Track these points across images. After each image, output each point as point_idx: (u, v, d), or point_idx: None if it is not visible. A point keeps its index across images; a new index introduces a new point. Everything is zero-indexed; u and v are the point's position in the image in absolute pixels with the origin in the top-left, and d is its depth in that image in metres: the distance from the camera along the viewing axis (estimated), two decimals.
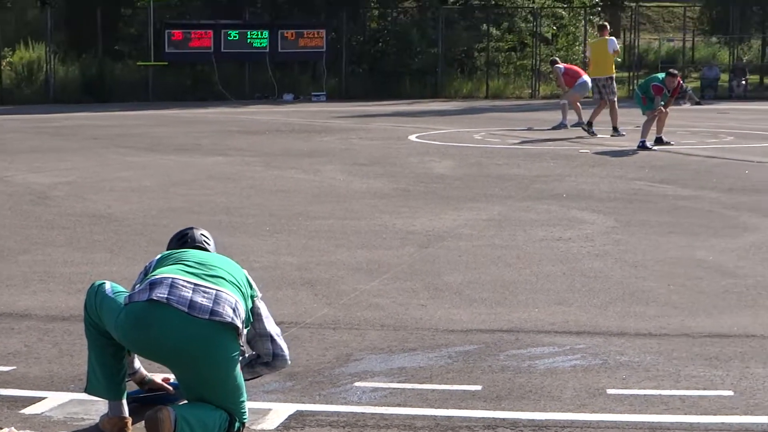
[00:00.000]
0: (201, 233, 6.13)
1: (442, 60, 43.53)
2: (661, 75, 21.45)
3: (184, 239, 6.04)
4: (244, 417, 5.56)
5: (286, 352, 5.84)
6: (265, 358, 5.78)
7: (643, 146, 20.37)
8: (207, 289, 5.39)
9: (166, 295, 5.30)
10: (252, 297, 5.70)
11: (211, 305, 5.32)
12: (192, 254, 5.73)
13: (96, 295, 5.56)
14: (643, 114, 21.06)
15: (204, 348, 5.31)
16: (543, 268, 9.76)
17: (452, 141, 22.69)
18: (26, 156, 19.91)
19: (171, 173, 17.01)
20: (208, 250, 5.99)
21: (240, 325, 5.41)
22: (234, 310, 5.39)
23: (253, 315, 5.69)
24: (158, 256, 5.82)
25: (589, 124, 24.01)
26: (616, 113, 23.91)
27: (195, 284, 5.40)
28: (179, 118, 30.81)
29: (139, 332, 5.33)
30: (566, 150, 20.78)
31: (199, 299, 5.33)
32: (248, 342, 5.72)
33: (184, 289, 5.35)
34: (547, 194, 14.49)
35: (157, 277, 5.43)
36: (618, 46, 24.95)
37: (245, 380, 5.70)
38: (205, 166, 18.03)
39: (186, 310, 5.27)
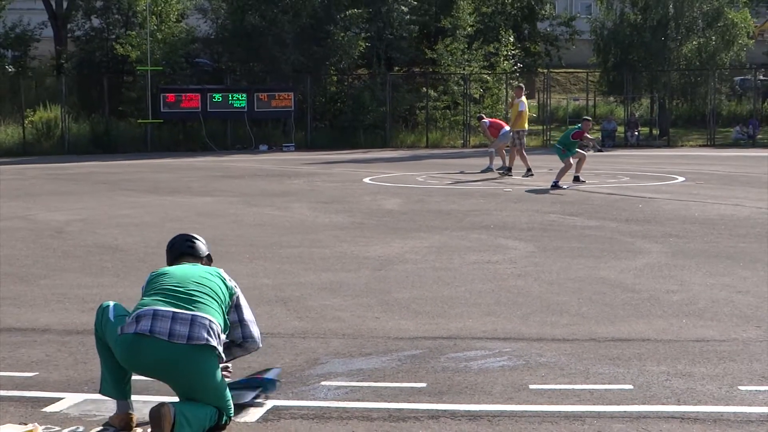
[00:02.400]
0: (186, 240, 6.13)
1: (390, 116, 43.61)
2: (575, 126, 21.99)
3: (173, 248, 6.10)
4: (230, 411, 5.54)
5: (257, 335, 5.84)
6: (237, 341, 5.77)
7: (556, 186, 20.53)
8: (183, 315, 5.35)
9: (149, 328, 5.29)
10: (230, 294, 5.71)
11: (187, 331, 5.30)
12: (172, 276, 5.64)
13: (102, 319, 5.58)
14: (562, 161, 21.30)
15: (185, 366, 5.32)
16: (475, 286, 9.76)
17: (399, 182, 22.70)
18: (46, 198, 19.76)
19: (167, 211, 16.91)
20: (192, 253, 6.04)
21: (215, 343, 5.37)
22: (209, 330, 5.37)
23: (234, 306, 5.73)
24: (149, 276, 5.77)
25: (508, 168, 24.38)
26: (526, 159, 24.37)
27: (174, 312, 5.35)
28: (173, 166, 30.66)
29: (131, 358, 5.36)
30: (493, 189, 20.84)
31: (177, 327, 5.30)
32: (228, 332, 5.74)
33: (163, 319, 5.32)
34: (478, 225, 14.51)
35: (141, 310, 5.38)
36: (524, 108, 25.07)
37: (227, 361, 5.78)
38: (195, 205, 17.94)
39: (166, 338, 5.27)
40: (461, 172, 26.15)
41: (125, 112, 42.24)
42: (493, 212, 16.19)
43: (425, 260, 11.42)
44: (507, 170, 24.51)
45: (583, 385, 6.29)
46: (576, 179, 21.28)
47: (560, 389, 6.22)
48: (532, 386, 6.29)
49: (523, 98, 25.04)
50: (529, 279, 10.14)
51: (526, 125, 25.17)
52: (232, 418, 5.60)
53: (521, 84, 28.62)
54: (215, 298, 5.56)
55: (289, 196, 19.41)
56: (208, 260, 6.14)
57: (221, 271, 5.82)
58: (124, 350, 5.35)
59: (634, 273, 10.43)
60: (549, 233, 13.61)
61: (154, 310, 5.35)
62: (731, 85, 50.85)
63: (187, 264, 5.88)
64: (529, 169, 23.96)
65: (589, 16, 53.70)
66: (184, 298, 5.46)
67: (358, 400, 6.04)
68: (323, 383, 6.41)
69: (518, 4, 52.62)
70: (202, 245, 6.15)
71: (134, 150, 39.59)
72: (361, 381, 6.45)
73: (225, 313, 5.60)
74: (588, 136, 22.14)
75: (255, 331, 5.82)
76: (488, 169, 25.65)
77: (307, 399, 6.08)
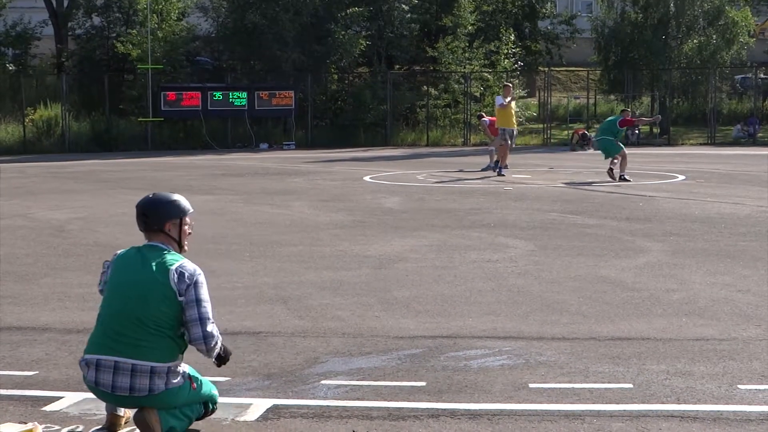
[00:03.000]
0: (141, 215, 5.50)
1: (390, 115, 43.65)
2: (613, 117, 23.24)
3: (136, 221, 5.58)
4: (215, 400, 5.50)
5: (200, 335, 5.20)
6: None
7: (624, 179, 21.59)
8: (124, 365, 5.13)
9: (94, 379, 5.20)
10: (178, 302, 5.19)
11: (128, 383, 5.13)
12: (115, 298, 5.28)
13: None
14: (607, 157, 21.85)
15: (141, 404, 5.20)
16: (475, 285, 9.76)
17: (399, 181, 22.71)
18: (46, 196, 19.76)
19: None
20: (150, 230, 5.44)
21: (161, 386, 5.15)
22: (151, 376, 5.15)
23: (184, 307, 5.22)
24: (111, 267, 5.44)
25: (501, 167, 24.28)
26: (506, 156, 24.34)
27: (115, 362, 5.14)
28: (173, 164, 30.67)
29: (95, 395, 5.37)
30: (493, 188, 20.84)
31: (119, 380, 5.14)
32: None
33: (106, 370, 5.16)
34: (478, 224, 14.51)
35: (87, 357, 5.24)
36: (502, 101, 24.73)
37: (221, 363, 5.51)
38: (195, 203, 17.74)
39: (110, 391, 5.17)
40: (460, 171, 26.15)
41: (126, 110, 42.31)
42: (494, 211, 16.18)
43: (425, 259, 11.42)
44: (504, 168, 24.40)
45: (582, 384, 6.29)
46: (611, 172, 21.97)
47: (560, 388, 6.22)
48: (531, 385, 6.29)
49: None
50: (529, 278, 10.13)
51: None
52: (232, 418, 5.61)
53: (507, 83, 28.53)
54: (158, 327, 5.17)
55: (289, 195, 19.41)
56: (174, 224, 5.44)
57: (172, 269, 5.23)
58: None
59: (635, 272, 10.43)
60: (549, 232, 13.61)
61: (97, 360, 5.19)
62: (732, 83, 50.91)
63: (133, 268, 5.30)
64: (504, 166, 24.02)
65: (590, 15, 53.70)
66: (125, 340, 5.16)
67: (358, 399, 6.04)
68: (323, 382, 6.41)
69: (519, 3, 52.65)
70: (160, 212, 5.44)
71: (135, 148, 39.63)
72: (361, 380, 6.45)
73: (175, 333, 5.23)
74: (641, 118, 23.64)
75: (198, 331, 5.22)
76: (489, 168, 25.66)
77: (307, 398, 6.08)
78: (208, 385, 5.51)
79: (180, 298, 5.19)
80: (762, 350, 7.14)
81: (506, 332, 7.77)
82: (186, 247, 5.51)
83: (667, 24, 45.15)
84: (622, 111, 24.00)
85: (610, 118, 23.76)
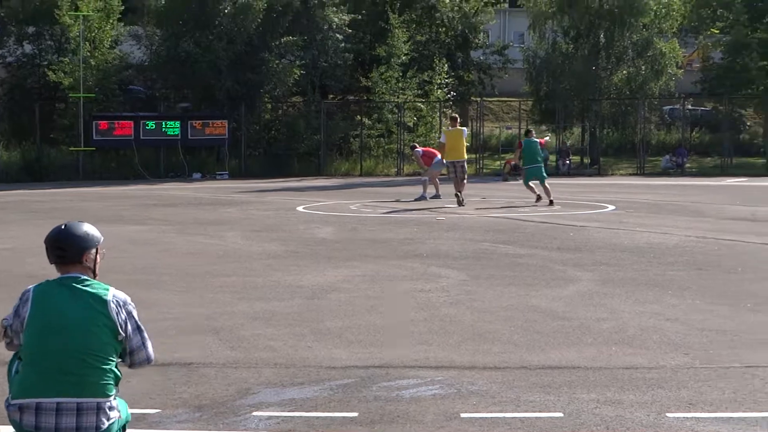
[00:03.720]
0: (56, 248, 5.29)
1: (324, 144, 43.66)
2: (530, 140, 24.22)
3: (48, 255, 5.36)
4: (129, 419, 5.37)
5: (143, 356, 5.21)
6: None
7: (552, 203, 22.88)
8: (68, 406, 4.96)
9: (33, 424, 4.97)
10: (119, 334, 5.09)
11: (74, 423, 4.97)
12: (51, 334, 5.05)
13: (9, 375, 5.27)
14: (527, 182, 23.60)
15: None
16: (408, 315, 9.78)
17: (333, 211, 22.69)
18: None
19: None
20: (67, 263, 5.26)
21: (104, 422, 5.01)
22: (97, 413, 5.00)
23: (125, 337, 5.15)
24: (30, 306, 5.21)
25: (458, 197, 23.73)
26: (463, 188, 23.95)
27: (57, 403, 4.96)
28: (105, 194, 30.38)
29: None
30: (426, 218, 20.91)
31: (63, 420, 4.96)
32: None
33: (47, 413, 4.96)
34: (411, 254, 14.54)
35: (23, 401, 4.99)
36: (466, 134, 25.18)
37: None
38: (127, 233, 17.74)
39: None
40: (397, 201, 26.18)
41: (57, 139, 41.82)
42: (427, 241, 16.23)
43: (358, 289, 11.43)
44: (459, 200, 23.88)
45: (513, 414, 6.33)
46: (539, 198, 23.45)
47: (491, 417, 6.25)
48: (463, 415, 6.31)
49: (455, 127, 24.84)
50: (461, 307, 10.18)
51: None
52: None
53: (455, 114, 28.58)
54: (100, 359, 5.05)
55: (222, 225, 19.32)
56: (90, 255, 5.31)
57: (109, 301, 5.12)
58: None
59: (565, 301, 10.52)
60: (481, 261, 13.68)
61: (37, 404, 4.97)
62: (660, 114, 51.63)
63: (63, 303, 5.13)
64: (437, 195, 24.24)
65: (522, 45, 54.21)
66: (71, 379, 4.98)
67: (290, 431, 6.01)
68: (255, 413, 6.38)
69: (452, 33, 53.03)
70: (77, 245, 5.29)
71: (66, 178, 39.17)
72: (293, 411, 6.43)
73: (115, 364, 5.12)
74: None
75: (143, 355, 5.22)
76: (422, 198, 25.72)
77: (238, 429, 6.05)
78: (123, 403, 5.33)
79: (121, 331, 5.10)
80: (690, 378, 7.24)
81: (438, 362, 7.79)
82: (98, 274, 5.39)
83: (597, 55, 45.78)
84: (528, 132, 25.69)
85: (528, 141, 24.19)
